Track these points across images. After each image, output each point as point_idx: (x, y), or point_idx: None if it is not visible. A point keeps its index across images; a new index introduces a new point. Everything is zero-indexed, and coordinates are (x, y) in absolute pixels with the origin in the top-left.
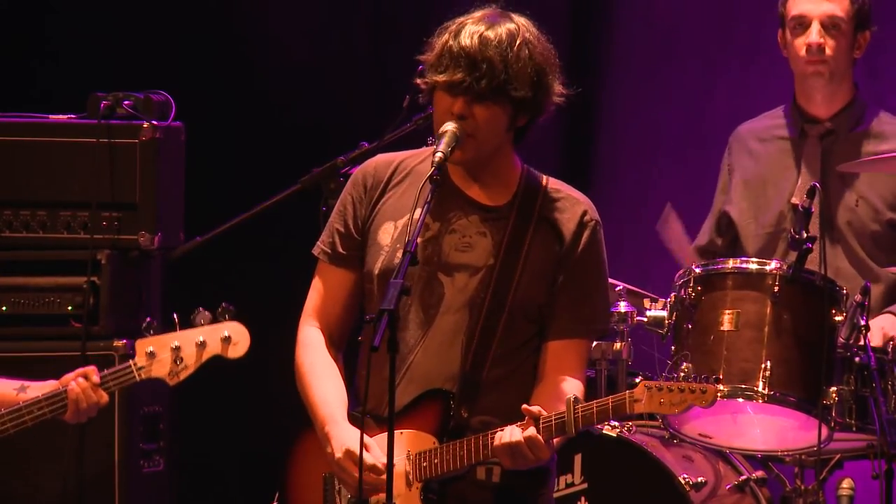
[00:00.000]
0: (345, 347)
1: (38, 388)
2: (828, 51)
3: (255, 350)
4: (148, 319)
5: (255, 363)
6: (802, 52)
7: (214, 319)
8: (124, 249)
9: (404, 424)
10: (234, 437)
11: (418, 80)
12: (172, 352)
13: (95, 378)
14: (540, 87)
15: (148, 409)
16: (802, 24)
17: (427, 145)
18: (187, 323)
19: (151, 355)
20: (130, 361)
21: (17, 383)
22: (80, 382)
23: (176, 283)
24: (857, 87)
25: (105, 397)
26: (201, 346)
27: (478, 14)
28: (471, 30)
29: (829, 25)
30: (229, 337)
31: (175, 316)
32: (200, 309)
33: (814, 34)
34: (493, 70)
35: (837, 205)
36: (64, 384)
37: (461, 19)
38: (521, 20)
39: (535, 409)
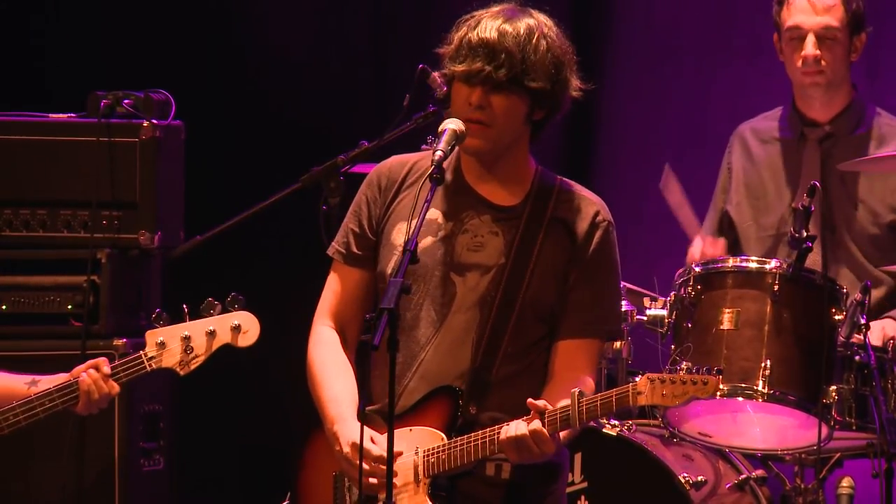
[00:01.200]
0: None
1: (48, 382)
2: (824, 62)
3: (255, 349)
4: (157, 311)
5: (256, 361)
6: (799, 64)
7: (224, 309)
8: (124, 248)
9: (414, 421)
10: (234, 436)
11: (436, 73)
12: (182, 341)
13: (106, 369)
14: (557, 80)
15: (148, 407)
16: (798, 35)
17: (426, 143)
18: (197, 314)
19: (162, 345)
20: (141, 352)
21: (27, 378)
22: (91, 374)
23: (176, 282)
24: (855, 89)
25: (116, 388)
26: (211, 335)
27: (496, 9)
28: (489, 23)
29: (825, 36)
30: (239, 326)
31: (185, 306)
32: (210, 299)
33: (809, 47)
34: (511, 60)
35: (837, 208)
36: (75, 376)
37: (479, 13)
38: (540, 16)
39: (540, 403)
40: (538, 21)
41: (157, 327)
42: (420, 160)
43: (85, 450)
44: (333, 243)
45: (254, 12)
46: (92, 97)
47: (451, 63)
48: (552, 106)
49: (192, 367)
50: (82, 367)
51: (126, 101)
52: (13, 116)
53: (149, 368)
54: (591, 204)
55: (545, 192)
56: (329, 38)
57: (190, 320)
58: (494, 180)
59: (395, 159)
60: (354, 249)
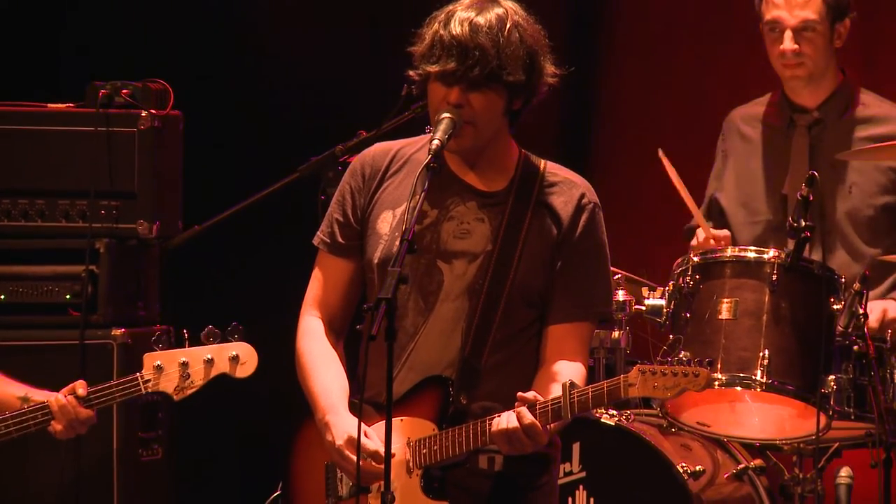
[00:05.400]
0: (345, 336)
1: (41, 395)
2: (804, 55)
3: (254, 339)
4: (157, 333)
5: (257, 351)
6: (778, 57)
7: (224, 338)
8: (123, 238)
9: (404, 412)
10: (233, 426)
11: (411, 72)
12: (180, 367)
13: (81, 391)
14: (533, 69)
15: (146, 397)
16: (776, 29)
17: (426, 132)
18: (197, 340)
19: (159, 369)
20: (137, 374)
21: (21, 391)
22: (59, 399)
23: (174, 271)
24: (844, 73)
25: (85, 413)
26: (209, 363)
27: (466, 1)
28: (460, 17)
29: (803, 29)
30: (237, 356)
31: (185, 332)
32: (210, 327)
33: (787, 41)
34: (485, 57)
35: (830, 194)
36: (51, 399)
37: (450, 7)
38: (508, 3)
39: (529, 394)
40: (507, 10)
41: (155, 350)
42: (403, 147)
43: (83, 440)
44: (319, 233)
45: (252, 1)
46: (90, 87)
47: (425, 63)
48: (529, 95)
49: (188, 393)
50: (64, 389)
51: (124, 91)
52: (12, 106)
53: (143, 391)
54: (576, 186)
55: (530, 177)
56: (327, 27)
57: (189, 346)
58: (478, 167)
59: (378, 147)
60: (339, 239)
